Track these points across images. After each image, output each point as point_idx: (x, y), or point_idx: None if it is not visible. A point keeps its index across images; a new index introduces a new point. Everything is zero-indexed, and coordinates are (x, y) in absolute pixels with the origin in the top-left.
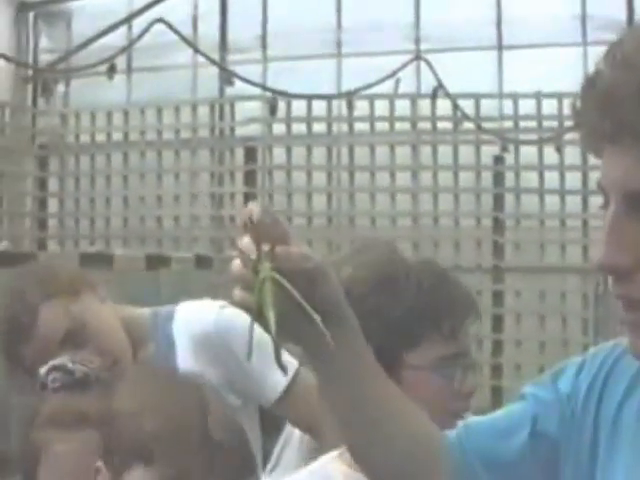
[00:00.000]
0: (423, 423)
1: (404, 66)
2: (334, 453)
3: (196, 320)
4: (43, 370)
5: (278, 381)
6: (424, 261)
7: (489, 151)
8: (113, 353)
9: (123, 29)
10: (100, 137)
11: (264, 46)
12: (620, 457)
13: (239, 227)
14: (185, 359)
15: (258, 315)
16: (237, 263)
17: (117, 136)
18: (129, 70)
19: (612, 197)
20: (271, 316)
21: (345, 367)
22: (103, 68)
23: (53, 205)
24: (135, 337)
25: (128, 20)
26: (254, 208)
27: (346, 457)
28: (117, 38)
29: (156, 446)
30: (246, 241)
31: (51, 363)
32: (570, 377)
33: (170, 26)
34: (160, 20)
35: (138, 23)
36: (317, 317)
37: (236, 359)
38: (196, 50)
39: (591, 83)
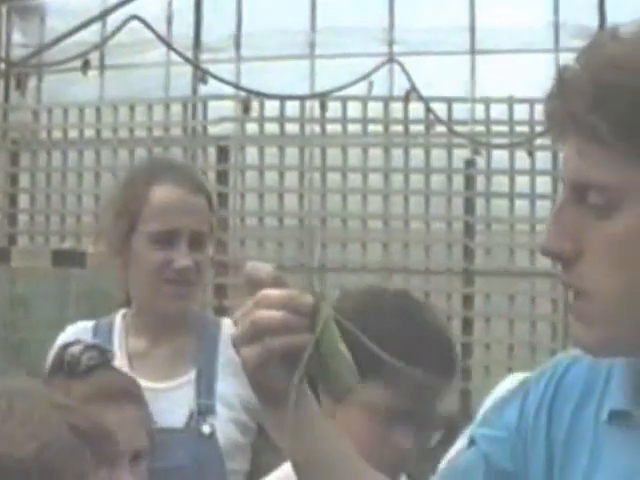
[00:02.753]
0: None
1: (377, 68)
2: None
3: None
4: (76, 349)
5: None
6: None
7: (461, 155)
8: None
9: (97, 26)
10: (72, 133)
11: (238, 46)
12: (578, 463)
13: (251, 282)
14: (226, 371)
15: (316, 354)
16: (269, 313)
17: (89, 133)
18: (102, 67)
19: (564, 185)
20: (345, 351)
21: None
22: (76, 64)
23: (24, 201)
24: (180, 320)
25: (102, 17)
26: (263, 265)
27: None
28: (91, 34)
29: None
30: (277, 291)
31: (84, 343)
32: (517, 406)
33: (145, 23)
34: (135, 17)
35: (112, 20)
36: (384, 355)
37: None
38: (170, 48)
39: (556, 77)
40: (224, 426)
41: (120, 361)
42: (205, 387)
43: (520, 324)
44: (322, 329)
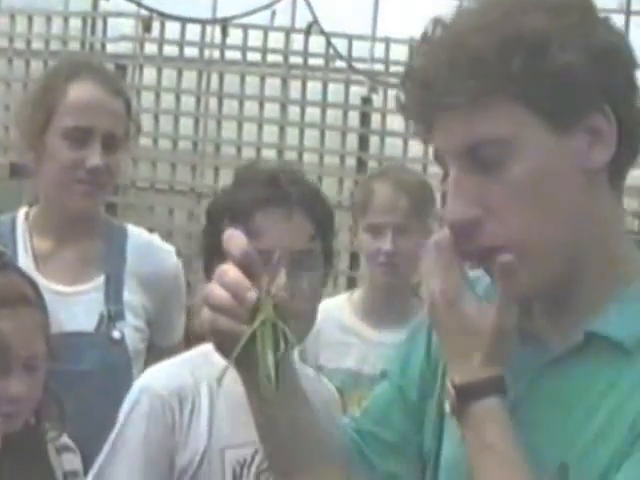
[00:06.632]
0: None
1: None
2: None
3: (155, 257)
4: None
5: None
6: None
7: (358, 91)
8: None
9: None
10: None
11: None
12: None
13: (225, 249)
14: (133, 280)
15: (246, 348)
16: (221, 292)
17: None
18: None
19: (450, 161)
20: (271, 363)
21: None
22: None
23: None
24: (86, 222)
25: None
26: (239, 236)
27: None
28: None
29: None
30: (235, 272)
31: None
32: (424, 335)
33: None
34: None
35: None
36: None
37: (170, 303)
38: None
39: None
40: (131, 332)
41: (25, 261)
42: (114, 293)
43: None
44: (258, 329)
